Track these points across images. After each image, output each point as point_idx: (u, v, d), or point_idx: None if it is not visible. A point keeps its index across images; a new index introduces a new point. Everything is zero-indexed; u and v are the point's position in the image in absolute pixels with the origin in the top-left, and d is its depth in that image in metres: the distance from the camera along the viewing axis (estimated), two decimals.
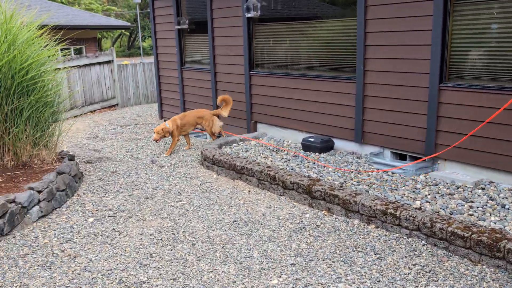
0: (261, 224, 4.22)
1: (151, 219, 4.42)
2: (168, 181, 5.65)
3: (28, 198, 4.26)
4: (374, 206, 4.00)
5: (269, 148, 6.41)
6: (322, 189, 4.45)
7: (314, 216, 4.37)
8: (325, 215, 4.39)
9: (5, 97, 4.76)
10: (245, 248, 3.75)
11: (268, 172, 5.06)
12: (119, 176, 5.86)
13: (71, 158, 5.67)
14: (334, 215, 4.35)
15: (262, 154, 6.13)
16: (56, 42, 5.75)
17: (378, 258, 3.51)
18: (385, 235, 3.88)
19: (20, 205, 4.18)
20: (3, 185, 4.62)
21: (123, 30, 40.18)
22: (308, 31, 6.34)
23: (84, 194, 5.17)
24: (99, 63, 11.92)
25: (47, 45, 5.58)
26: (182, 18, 8.65)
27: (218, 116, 7.34)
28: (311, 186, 4.55)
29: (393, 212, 3.85)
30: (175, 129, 6.94)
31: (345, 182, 4.83)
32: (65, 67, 6.28)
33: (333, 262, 3.48)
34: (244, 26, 7.14)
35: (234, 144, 6.78)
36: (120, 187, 5.41)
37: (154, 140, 6.87)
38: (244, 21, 7.12)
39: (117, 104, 12.72)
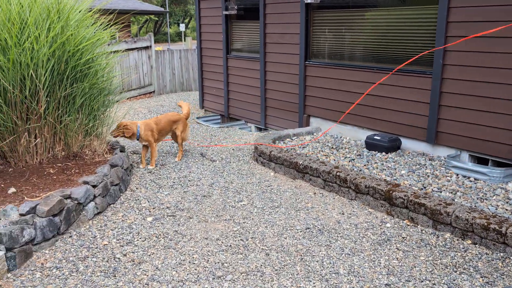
0: (339, 234, 3.79)
1: (214, 221, 4.05)
2: (222, 177, 5.27)
3: (84, 193, 3.93)
4: (472, 219, 3.52)
5: (328, 145, 5.96)
6: (405, 196, 3.99)
7: (396, 226, 3.93)
8: (408, 225, 3.93)
9: (59, 82, 4.43)
10: (327, 262, 3.33)
11: (337, 174, 4.62)
12: (170, 170, 5.50)
13: (122, 149, 5.34)
14: (419, 226, 3.89)
15: (322, 151, 5.69)
16: (103, 26, 5.40)
17: (486, 282, 3.05)
18: (486, 253, 3.41)
19: (76, 201, 3.85)
20: (55, 177, 4.31)
21: (152, 16, 40.02)
22: (375, 20, 5.83)
23: (137, 189, 4.83)
24: (137, 49, 11.61)
25: (97, 28, 5.23)
26: (230, 3, 8.21)
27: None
28: (390, 192, 4.10)
29: (497, 228, 3.38)
30: (149, 135, 5.44)
31: (425, 187, 4.36)
32: (116, 51, 5.91)
33: (434, 284, 3.04)
34: (302, 12, 6.66)
35: (288, 139, 6.36)
36: (173, 183, 5.05)
37: (111, 134, 5.32)
38: (302, 7, 6.64)
39: (154, 91, 12.42)
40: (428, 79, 5.21)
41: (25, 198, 3.74)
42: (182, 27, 31.25)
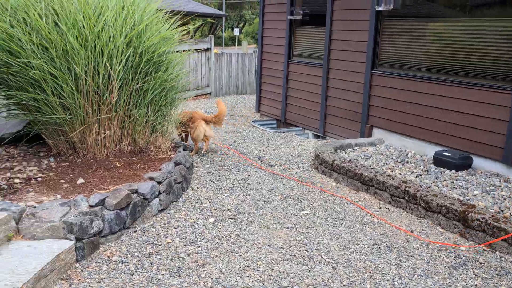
0: (409, 252, 3.59)
1: (276, 228, 3.95)
2: (282, 183, 5.16)
3: (151, 189, 3.94)
4: None
5: (392, 158, 5.72)
6: (482, 218, 3.73)
7: (472, 250, 3.67)
8: (485, 250, 3.67)
9: (132, 75, 4.48)
10: (398, 282, 3.15)
11: (406, 189, 4.40)
12: (229, 172, 5.46)
13: (185, 148, 5.35)
14: (497, 252, 3.62)
15: (386, 164, 5.47)
16: (171, 25, 5.44)
17: None
18: None
19: (142, 197, 3.86)
20: (121, 171, 4.36)
21: (209, 19, 40.72)
22: (449, 31, 5.55)
23: (198, 188, 4.81)
24: (197, 50, 11.76)
25: (168, 27, 5.28)
26: (296, 8, 8.13)
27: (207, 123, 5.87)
28: (466, 212, 3.84)
29: None
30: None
31: (502, 211, 4.06)
32: (180, 51, 5.96)
33: None
34: (371, 20, 6.47)
35: (349, 149, 6.17)
36: (232, 185, 5.00)
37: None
38: (371, 14, 6.45)
39: (210, 93, 12.54)
40: (507, 95, 4.89)
41: (94, 190, 3.79)
42: (236, 32, 31.57)
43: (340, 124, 7.36)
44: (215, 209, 4.28)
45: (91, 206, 3.46)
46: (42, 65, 4.01)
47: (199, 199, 4.52)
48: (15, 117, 4.63)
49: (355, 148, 6.24)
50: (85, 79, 4.21)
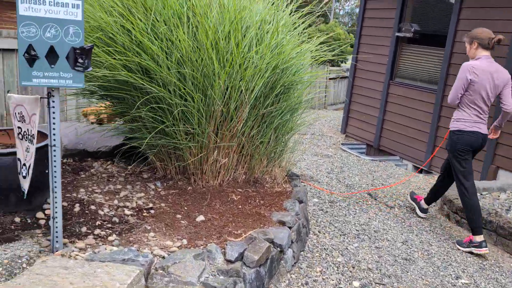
0: None
1: None
2: (413, 234, 4.34)
3: (287, 239, 3.21)
4: None
5: None
6: None
7: None
8: None
9: (263, 98, 3.79)
10: None
11: None
12: (344, 211, 4.68)
13: (297, 178, 4.62)
14: None
15: None
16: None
17: None
18: None
19: (279, 248, 3.13)
20: (240, 207, 3.65)
21: None
22: None
23: (319, 232, 4.06)
24: None
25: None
26: (405, 24, 7.28)
27: None
28: None
29: None
30: None
31: None
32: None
33: None
34: None
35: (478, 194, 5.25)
36: (357, 231, 4.22)
37: None
38: None
39: None
40: None
41: (223, 236, 3.09)
42: None
43: None
44: (353, 267, 3.50)
45: (229, 261, 2.76)
46: (181, 87, 3.37)
47: (326, 248, 3.76)
48: (124, 133, 4.04)
49: (483, 193, 5.33)
50: (218, 104, 3.55)
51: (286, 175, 4.47)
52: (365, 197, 5.24)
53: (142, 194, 3.66)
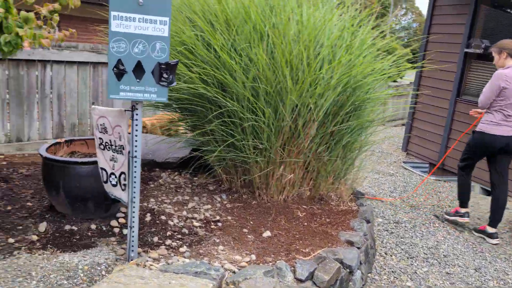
0: None
1: None
2: (486, 260, 4.08)
3: (357, 259, 3.12)
4: None
5: None
6: None
7: None
8: None
9: (332, 116, 3.74)
10: None
11: None
12: (409, 232, 4.50)
13: (363, 197, 4.51)
14: None
15: None
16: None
17: None
18: None
19: (348, 270, 3.05)
20: (306, 224, 3.60)
21: None
22: None
23: (386, 254, 3.92)
24: None
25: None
26: (475, 40, 6.99)
27: None
28: None
29: None
30: None
31: None
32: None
33: None
34: None
35: None
36: (425, 254, 4.03)
37: None
38: None
39: None
40: None
41: (291, 253, 3.04)
42: None
43: None
44: None
45: (299, 280, 2.71)
46: (254, 102, 3.41)
47: (394, 271, 3.62)
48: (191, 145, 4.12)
49: None
50: (287, 119, 3.54)
51: (351, 193, 4.38)
52: (431, 218, 5.02)
53: (209, 206, 3.69)
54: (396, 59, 4.05)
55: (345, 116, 3.78)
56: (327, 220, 3.76)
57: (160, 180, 4.17)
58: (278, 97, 3.45)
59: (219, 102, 3.49)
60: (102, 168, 2.72)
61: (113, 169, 2.67)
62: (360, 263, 3.27)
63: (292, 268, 2.80)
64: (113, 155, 2.63)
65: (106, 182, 2.77)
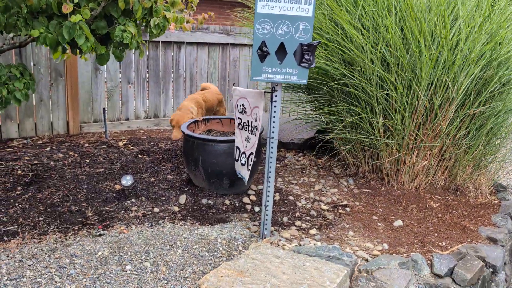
0: None
1: None
2: None
3: (502, 258, 2.85)
4: None
5: None
6: None
7: None
8: None
9: (474, 96, 3.40)
10: None
11: None
12: None
13: (505, 190, 4.08)
14: None
15: None
16: None
17: None
18: None
19: (491, 269, 2.79)
20: (440, 216, 3.36)
21: None
22: None
23: None
24: None
25: None
26: None
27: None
28: None
29: None
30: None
31: None
32: None
33: None
34: None
35: None
36: None
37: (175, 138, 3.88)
38: None
39: None
40: None
41: (427, 246, 2.87)
42: None
43: None
44: None
45: (436, 275, 2.55)
46: (384, 76, 3.25)
47: None
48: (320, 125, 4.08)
49: None
50: (422, 99, 3.31)
51: (491, 185, 3.99)
52: None
53: (336, 190, 3.64)
54: None
55: (489, 95, 3.42)
56: (464, 213, 3.48)
57: (285, 161, 4.21)
58: (410, 73, 3.23)
59: (345, 81, 3.38)
60: (237, 147, 2.82)
61: (245, 148, 2.75)
62: (504, 264, 2.98)
63: (429, 261, 2.65)
64: (248, 135, 2.69)
65: (237, 160, 2.86)
